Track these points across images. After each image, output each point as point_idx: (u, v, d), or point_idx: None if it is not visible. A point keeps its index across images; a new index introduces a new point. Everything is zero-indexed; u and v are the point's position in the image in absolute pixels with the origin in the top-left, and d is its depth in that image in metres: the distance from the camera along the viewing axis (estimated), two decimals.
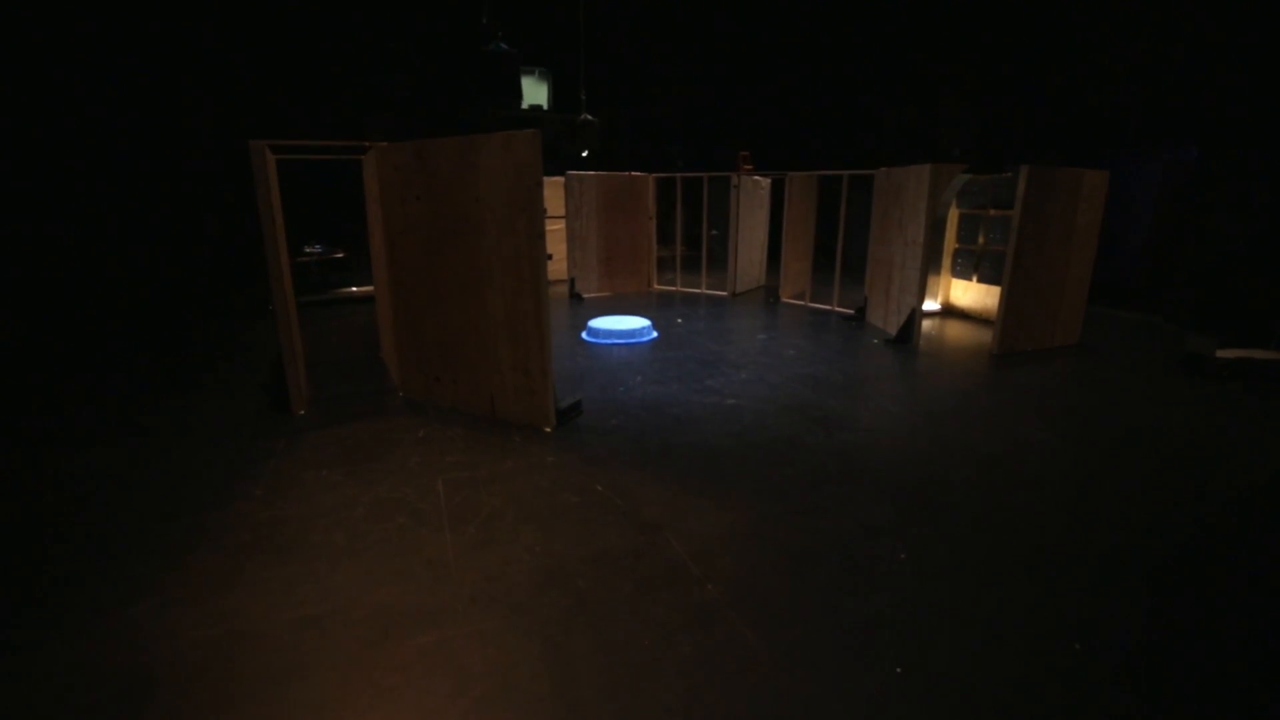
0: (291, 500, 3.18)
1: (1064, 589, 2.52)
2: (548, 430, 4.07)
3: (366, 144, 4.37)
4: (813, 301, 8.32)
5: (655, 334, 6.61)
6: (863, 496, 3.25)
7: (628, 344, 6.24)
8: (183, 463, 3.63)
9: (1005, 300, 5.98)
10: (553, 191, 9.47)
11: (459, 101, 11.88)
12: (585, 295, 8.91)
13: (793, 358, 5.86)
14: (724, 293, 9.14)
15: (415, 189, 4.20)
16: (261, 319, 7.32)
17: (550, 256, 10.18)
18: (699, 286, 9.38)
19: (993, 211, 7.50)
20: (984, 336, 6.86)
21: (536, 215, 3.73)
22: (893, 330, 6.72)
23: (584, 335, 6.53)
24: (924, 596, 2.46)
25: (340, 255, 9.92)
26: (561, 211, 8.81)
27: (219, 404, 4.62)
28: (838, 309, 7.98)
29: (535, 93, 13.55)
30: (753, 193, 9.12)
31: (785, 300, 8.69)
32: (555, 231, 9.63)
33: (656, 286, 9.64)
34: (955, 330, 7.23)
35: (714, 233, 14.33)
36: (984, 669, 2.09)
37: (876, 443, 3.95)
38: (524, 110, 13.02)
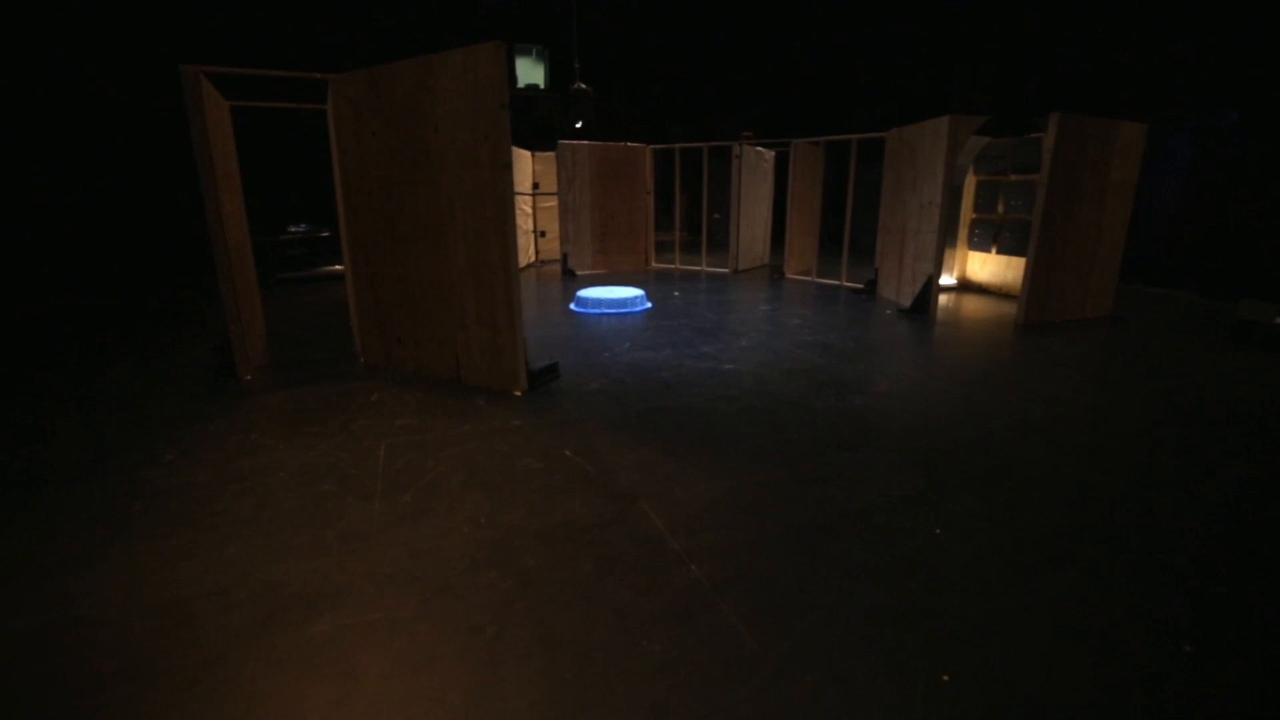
0: (205, 465, 2.64)
1: (1152, 570, 1.94)
2: (518, 394, 3.52)
3: (319, 75, 3.83)
4: (820, 277, 7.73)
5: (649, 304, 6.05)
6: (884, 463, 2.68)
7: (619, 313, 5.68)
8: (97, 427, 3.10)
9: (1032, 265, 5.38)
10: (546, 167, 8.94)
11: None
12: (579, 272, 8.36)
13: (798, 326, 5.28)
14: (725, 270, 8.56)
15: (371, 123, 3.66)
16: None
17: (544, 233, 9.66)
18: (699, 264, 8.81)
19: (1013, 177, 6.88)
20: (1006, 310, 6.25)
21: (501, 142, 3.18)
22: (907, 301, 6.13)
23: (572, 306, 5.98)
24: (970, 580, 1.89)
25: (326, 234, 9.43)
26: (555, 187, 8.26)
27: (172, 370, 4.10)
28: (846, 283, 7.38)
29: (532, 72, 13.01)
30: (755, 164, 8.53)
31: (790, 276, 8.10)
32: (549, 209, 9.10)
33: (654, 264, 9.08)
34: (974, 304, 6.62)
35: (716, 216, 13.75)
36: (1059, 676, 1.52)
37: (897, 407, 3.37)
38: (520, 90, 12.53)
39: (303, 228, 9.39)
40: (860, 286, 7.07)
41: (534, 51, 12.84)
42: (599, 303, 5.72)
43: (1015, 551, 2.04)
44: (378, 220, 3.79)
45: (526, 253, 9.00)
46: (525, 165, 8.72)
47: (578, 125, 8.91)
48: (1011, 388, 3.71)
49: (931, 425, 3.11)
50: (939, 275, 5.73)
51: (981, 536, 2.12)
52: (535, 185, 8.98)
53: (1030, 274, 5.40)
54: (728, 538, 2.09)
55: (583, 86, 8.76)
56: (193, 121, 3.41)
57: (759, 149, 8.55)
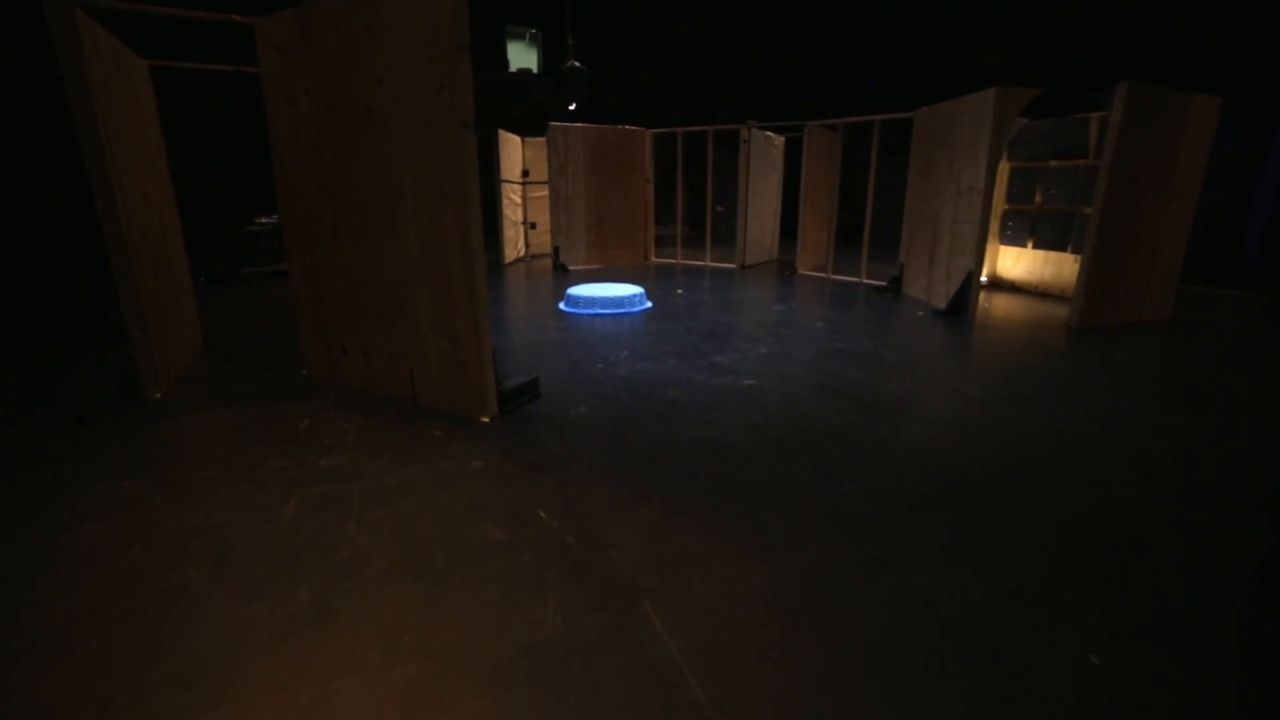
0: (32, 532, 1.87)
1: None
2: (485, 421, 2.75)
3: (238, 18, 3.03)
4: (836, 273, 6.97)
5: (649, 304, 5.28)
6: (977, 531, 1.92)
7: (614, 314, 4.92)
8: None
9: (1090, 262, 4.62)
10: (537, 154, 8.15)
11: None
12: (571, 267, 7.58)
13: (822, 330, 4.52)
14: (732, 265, 7.79)
15: (302, 79, 2.87)
16: (229, 287, 5.98)
17: (534, 225, 8.87)
18: (703, 259, 8.04)
19: (1053, 162, 6.13)
20: (1048, 311, 5.50)
21: (460, 94, 2.40)
22: (940, 301, 5.38)
23: (562, 305, 5.21)
24: None
25: None
26: (546, 175, 7.47)
27: (71, 385, 3.32)
28: (866, 281, 6.63)
29: (525, 56, 12.21)
30: (765, 150, 7.76)
31: (803, 272, 7.33)
32: (539, 199, 8.31)
33: (654, 259, 8.31)
34: (1011, 304, 5.86)
35: (720, 209, 12.98)
36: None
37: (970, 441, 2.62)
38: (511, 74, 11.71)
39: (274, 218, 8.59)
40: (883, 284, 6.32)
41: (527, 36, 12.07)
42: (592, 302, 4.95)
43: (1227, 702, 1.29)
44: (315, 202, 3.02)
45: (516, 246, 8.22)
46: (515, 151, 7.93)
47: (571, 107, 8.11)
48: (1100, 412, 2.96)
49: (1021, 469, 2.36)
50: (980, 272, 4.98)
51: (1153, 664, 1.37)
52: (525, 173, 8.19)
53: (1087, 271, 4.65)
54: (781, 679, 1.34)
55: (577, 65, 7.95)
56: (66, 73, 2.62)
57: (768, 134, 7.78)
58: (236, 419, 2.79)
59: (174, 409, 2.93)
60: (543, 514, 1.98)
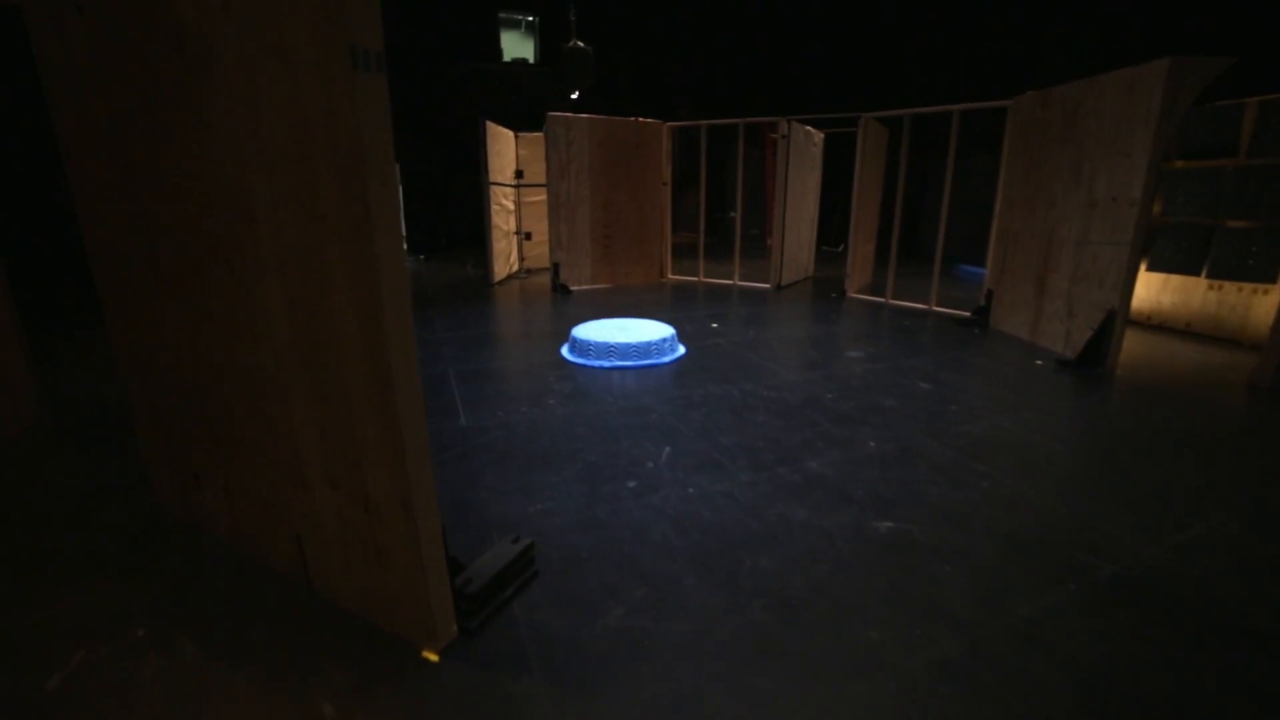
0: None
1: None
2: (431, 659, 1.38)
3: None
4: (895, 298, 5.61)
5: (681, 349, 3.91)
6: None
7: (638, 367, 3.54)
8: None
9: None
10: (533, 151, 6.76)
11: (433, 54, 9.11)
12: (573, 288, 6.19)
13: (934, 398, 3.16)
14: (763, 284, 6.43)
15: None
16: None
17: (529, 236, 7.47)
18: (730, 277, 6.66)
19: (1179, 163, 4.80)
20: (1193, 355, 4.17)
21: (366, 22, 1.02)
22: (1055, 342, 4.05)
23: (565, 351, 3.83)
24: None
25: None
26: (544, 177, 6.07)
27: None
28: (937, 308, 5.28)
29: (520, 46, 10.82)
30: (805, 149, 6.40)
31: (853, 295, 5.97)
32: (534, 205, 6.92)
33: (671, 276, 6.93)
34: (1132, 345, 4.52)
35: (731, 214, 11.61)
36: None
37: None
38: (506, 64, 10.31)
39: None
40: (966, 316, 4.98)
41: (523, 25, 10.68)
42: (607, 350, 3.57)
43: None
44: (120, 216, 1.63)
45: (508, 260, 6.83)
46: (507, 148, 6.53)
47: (574, 96, 6.72)
48: None
49: None
50: (1127, 309, 3.64)
51: None
52: (519, 174, 6.79)
53: None
54: None
55: (580, 45, 6.55)
56: None
57: (808, 129, 6.41)
58: None
59: None
60: None
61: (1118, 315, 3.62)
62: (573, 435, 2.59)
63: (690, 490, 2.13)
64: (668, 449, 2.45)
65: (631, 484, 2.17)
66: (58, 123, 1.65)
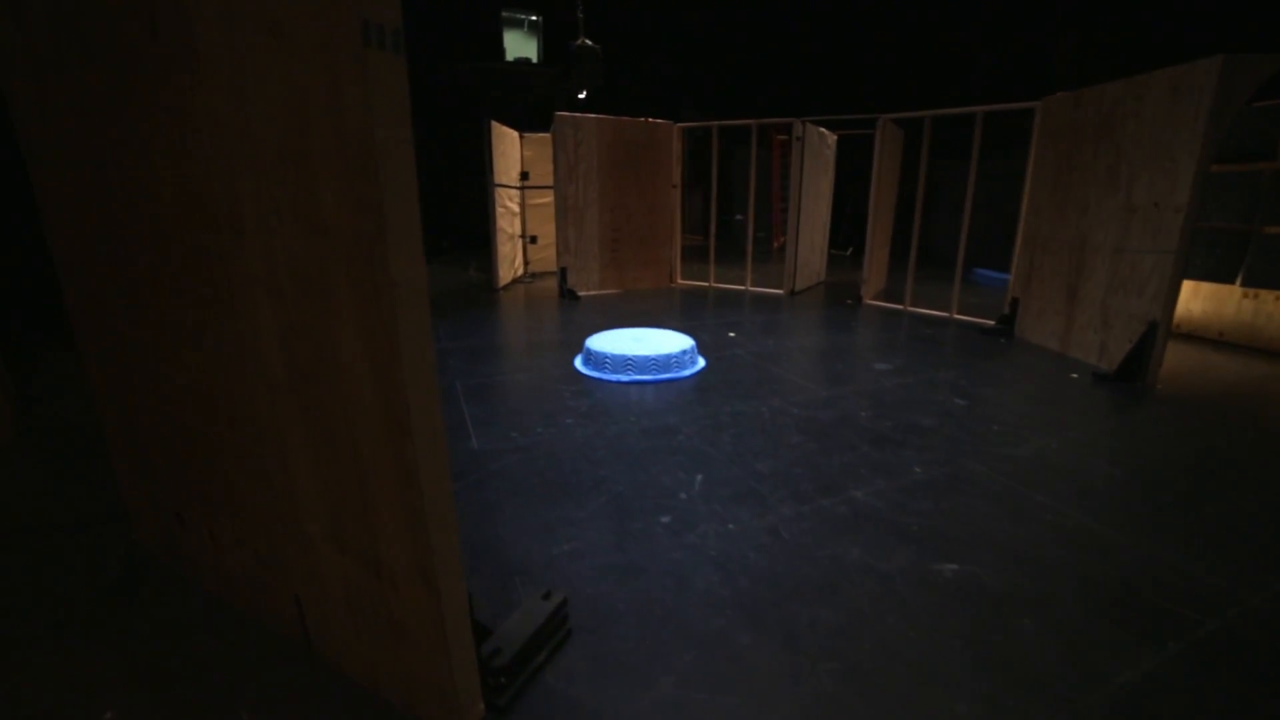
0: None
1: None
2: None
3: None
4: (914, 304, 5.41)
5: (701, 361, 3.70)
6: None
7: (657, 381, 3.33)
8: None
9: None
10: (538, 152, 6.54)
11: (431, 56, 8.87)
12: (581, 293, 5.98)
13: (970, 415, 2.96)
14: (777, 290, 6.23)
15: None
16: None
17: (534, 239, 7.26)
18: (740, 282, 6.46)
19: (1214, 167, 4.61)
20: (1231, 366, 3.99)
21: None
22: (1088, 353, 3.86)
23: (578, 363, 3.62)
24: None
25: None
26: (550, 179, 5.86)
27: None
28: (958, 316, 5.09)
29: (523, 45, 10.59)
30: (819, 151, 6.20)
31: (869, 301, 5.78)
32: (541, 206, 6.71)
33: (680, 281, 6.72)
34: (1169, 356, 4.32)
35: (739, 217, 11.41)
36: None
37: None
38: (509, 64, 10.09)
39: None
40: (991, 324, 4.78)
41: (526, 24, 10.46)
42: (625, 364, 3.36)
43: None
44: (89, 225, 1.41)
45: (513, 264, 6.61)
46: (512, 149, 6.32)
47: (581, 96, 6.51)
48: None
49: None
50: (1170, 321, 3.45)
51: None
52: (524, 175, 6.58)
53: None
54: None
55: (588, 43, 6.34)
56: None
57: (821, 130, 6.22)
58: None
59: None
60: None
61: (1160, 327, 3.43)
62: (595, 460, 2.38)
63: (731, 526, 1.92)
64: (700, 477, 2.25)
65: (665, 519, 1.96)
66: (15, 119, 1.43)
